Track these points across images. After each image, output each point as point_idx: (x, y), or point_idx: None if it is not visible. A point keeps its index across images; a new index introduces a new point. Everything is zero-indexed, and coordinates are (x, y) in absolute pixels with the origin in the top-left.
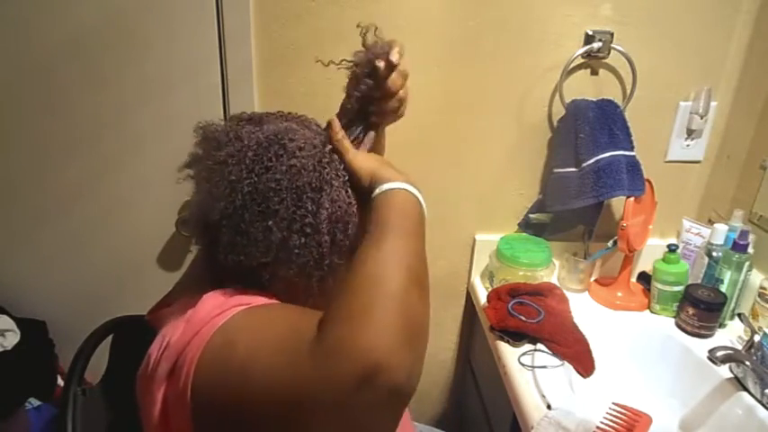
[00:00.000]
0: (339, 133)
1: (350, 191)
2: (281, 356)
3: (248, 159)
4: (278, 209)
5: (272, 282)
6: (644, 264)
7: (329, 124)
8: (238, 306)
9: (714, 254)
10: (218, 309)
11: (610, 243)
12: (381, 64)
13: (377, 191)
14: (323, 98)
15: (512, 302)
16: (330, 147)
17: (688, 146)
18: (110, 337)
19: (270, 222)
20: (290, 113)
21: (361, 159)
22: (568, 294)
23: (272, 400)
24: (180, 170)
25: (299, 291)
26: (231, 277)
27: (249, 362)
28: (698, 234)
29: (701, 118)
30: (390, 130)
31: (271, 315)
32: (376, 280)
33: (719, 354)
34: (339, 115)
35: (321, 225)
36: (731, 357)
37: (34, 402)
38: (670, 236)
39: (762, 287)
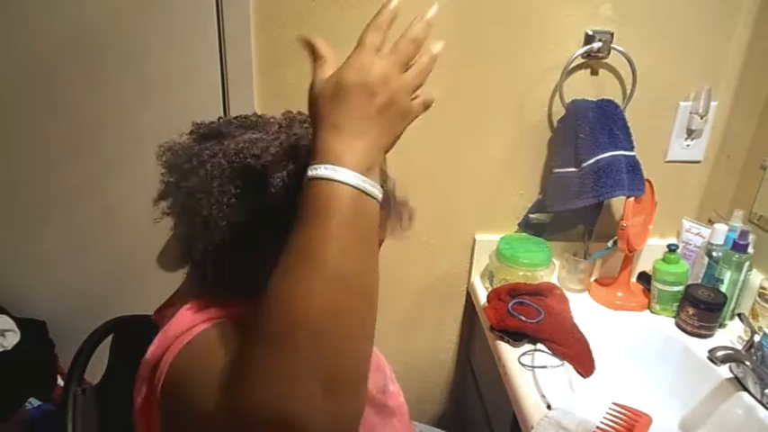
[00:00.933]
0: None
1: None
2: (212, 393)
3: (216, 191)
4: (256, 242)
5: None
6: (644, 264)
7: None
8: (206, 322)
9: (714, 254)
10: (188, 325)
11: (610, 243)
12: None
13: (311, 172)
14: None
15: (512, 302)
16: (293, 139)
17: (688, 146)
18: (110, 337)
19: (251, 258)
20: (250, 117)
21: (367, 75)
22: (568, 294)
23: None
24: (155, 204)
25: None
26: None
27: (192, 390)
28: (698, 234)
29: (701, 118)
30: None
31: (220, 341)
32: (289, 317)
33: (719, 354)
34: None
35: None
36: (731, 357)
37: (34, 402)
38: (670, 236)
39: (762, 287)
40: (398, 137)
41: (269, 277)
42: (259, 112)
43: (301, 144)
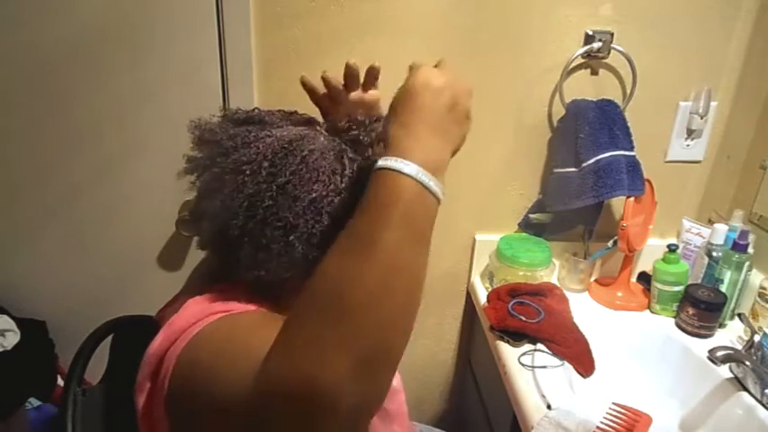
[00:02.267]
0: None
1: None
2: (234, 376)
3: (264, 171)
4: (298, 223)
5: (284, 293)
6: (644, 264)
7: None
8: (214, 315)
9: (714, 254)
10: (195, 317)
11: (610, 243)
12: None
13: (380, 163)
14: None
15: (512, 302)
16: (347, 152)
17: (688, 146)
18: (110, 337)
19: (291, 238)
20: (291, 113)
21: (430, 83)
22: (568, 294)
23: (232, 417)
24: (180, 176)
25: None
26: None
27: (210, 378)
28: (698, 234)
29: (701, 118)
30: None
31: (235, 328)
32: (337, 293)
33: (719, 354)
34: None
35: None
36: (731, 357)
37: (34, 402)
38: (670, 236)
39: (762, 287)
40: (464, 139)
41: (296, 273)
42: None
43: (348, 156)
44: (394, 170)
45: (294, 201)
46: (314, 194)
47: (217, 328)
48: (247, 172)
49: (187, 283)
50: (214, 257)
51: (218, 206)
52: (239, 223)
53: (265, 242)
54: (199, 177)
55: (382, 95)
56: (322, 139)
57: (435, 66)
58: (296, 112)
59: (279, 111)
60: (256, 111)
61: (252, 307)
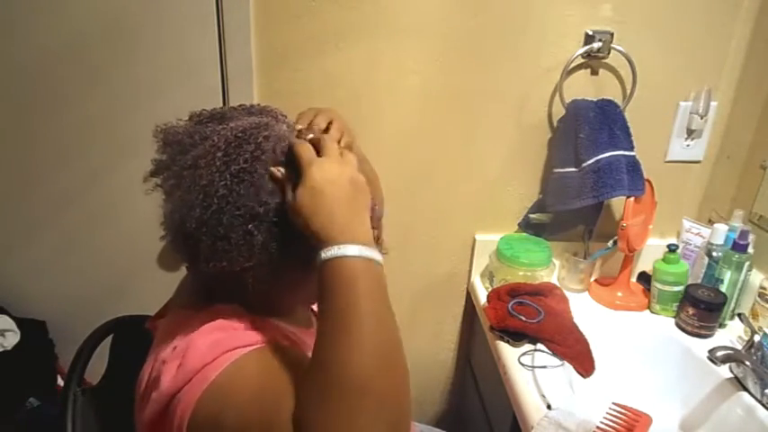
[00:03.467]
0: (304, 127)
1: None
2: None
3: (218, 161)
4: (258, 211)
5: (255, 285)
6: (644, 264)
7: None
8: (230, 352)
9: (714, 254)
10: (210, 355)
11: (610, 243)
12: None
13: (324, 256)
14: (323, 98)
15: (512, 302)
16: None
17: (688, 146)
18: (110, 337)
19: (250, 226)
20: (254, 106)
21: (327, 176)
22: (568, 294)
23: None
24: (145, 180)
25: (280, 289)
26: (217, 284)
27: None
28: (698, 234)
29: (701, 118)
30: (391, 130)
31: (256, 384)
32: (348, 378)
33: (719, 354)
34: None
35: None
36: (731, 357)
37: (34, 402)
38: (670, 236)
39: (762, 287)
40: (374, 204)
41: (268, 256)
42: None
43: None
44: (339, 257)
45: (252, 190)
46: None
47: (236, 381)
48: (202, 164)
49: (176, 294)
50: (177, 257)
51: (177, 202)
52: (196, 215)
53: (223, 231)
54: (162, 179)
55: (383, 94)
56: (284, 127)
57: (317, 144)
58: (260, 105)
59: (241, 106)
60: (220, 108)
61: (257, 336)
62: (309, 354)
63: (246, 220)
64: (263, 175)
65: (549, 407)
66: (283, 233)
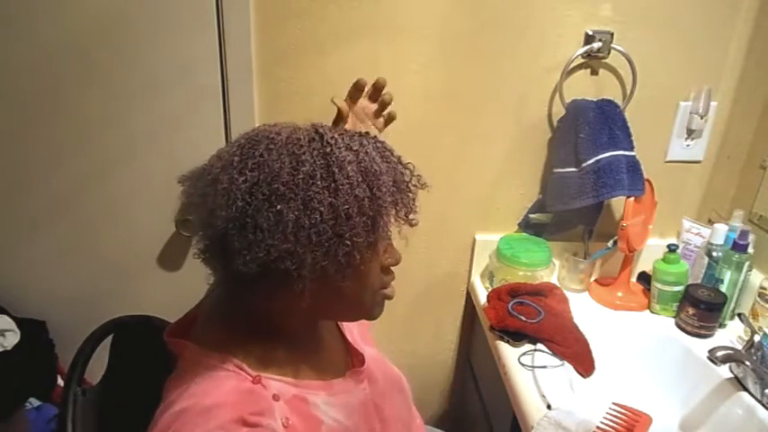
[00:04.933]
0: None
1: (368, 188)
2: None
3: (235, 162)
4: (283, 191)
5: (300, 274)
6: (644, 264)
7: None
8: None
9: (714, 254)
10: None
11: (610, 243)
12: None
13: None
14: (323, 98)
15: (512, 302)
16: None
17: (688, 146)
18: (110, 338)
19: (279, 206)
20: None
21: None
22: (568, 294)
23: None
24: (179, 221)
25: (330, 289)
26: (256, 294)
27: None
28: (698, 234)
29: (701, 118)
30: (391, 130)
31: None
32: None
33: (719, 354)
34: None
35: (334, 212)
36: (731, 357)
37: (34, 402)
38: (670, 236)
39: (762, 287)
40: None
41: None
42: (259, 113)
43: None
44: None
45: (273, 178)
46: (299, 173)
47: None
48: (219, 174)
49: (200, 305)
50: (215, 268)
51: (203, 213)
52: (222, 215)
53: (251, 221)
54: (188, 205)
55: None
56: (300, 124)
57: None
58: None
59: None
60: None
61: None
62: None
63: (273, 203)
64: (282, 159)
65: (549, 407)
66: (319, 211)
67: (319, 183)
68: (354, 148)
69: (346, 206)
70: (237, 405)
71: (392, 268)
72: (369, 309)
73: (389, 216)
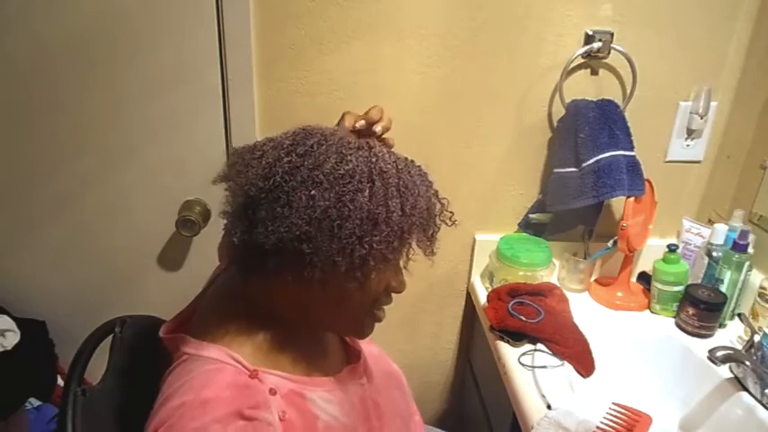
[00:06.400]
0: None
1: (399, 203)
2: None
3: (285, 144)
4: (322, 180)
5: (312, 261)
6: (644, 264)
7: None
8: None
9: (714, 254)
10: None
11: (610, 243)
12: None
13: None
14: (323, 98)
15: (512, 302)
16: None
17: (688, 146)
18: (110, 338)
19: (313, 192)
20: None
21: None
22: (568, 294)
23: None
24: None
25: (336, 284)
26: (264, 270)
27: None
28: (698, 234)
29: (701, 118)
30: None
31: None
32: None
33: (719, 354)
34: None
35: (363, 214)
36: (731, 357)
37: (34, 402)
38: (670, 236)
39: (762, 287)
40: None
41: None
42: (259, 113)
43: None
44: None
45: (315, 168)
46: (339, 169)
47: None
48: (267, 149)
49: (197, 300)
50: (235, 230)
51: (242, 179)
52: (258, 185)
53: (284, 198)
54: (230, 173)
55: (383, 94)
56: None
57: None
58: None
59: None
60: None
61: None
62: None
63: (308, 187)
64: (329, 153)
65: (549, 407)
66: (347, 207)
67: (357, 183)
68: (399, 167)
69: (376, 212)
70: (234, 399)
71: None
72: (361, 325)
73: (413, 236)
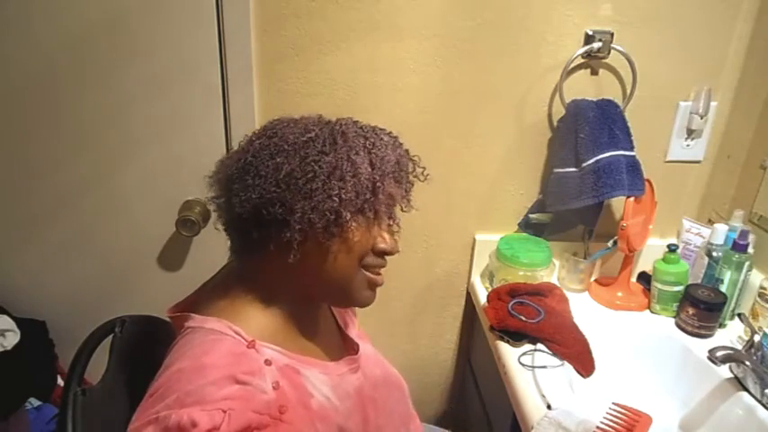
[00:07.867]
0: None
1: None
2: None
3: (257, 132)
4: (286, 149)
5: (289, 223)
6: (644, 264)
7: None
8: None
9: (714, 254)
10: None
11: (610, 243)
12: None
13: None
14: (323, 98)
15: (512, 302)
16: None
17: (688, 146)
18: (110, 338)
19: (278, 159)
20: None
21: None
22: (568, 294)
23: None
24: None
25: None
26: (252, 244)
27: None
28: (698, 234)
29: (701, 118)
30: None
31: None
32: None
33: (719, 354)
34: None
35: (328, 169)
36: (731, 357)
37: (34, 402)
38: (670, 236)
39: (762, 287)
40: None
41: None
42: (259, 112)
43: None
44: None
45: (285, 142)
46: (307, 146)
47: None
48: (242, 143)
49: (206, 285)
50: (222, 213)
51: (220, 168)
52: (235, 166)
53: (254, 169)
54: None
55: (383, 94)
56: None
57: None
58: None
59: None
60: None
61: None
62: (315, 394)
63: (274, 156)
64: (294, 130)
65: (549, 407)
66: (313, 171)
67: (320, 146)
68: (366, 131)
69: (342, 168)
70: (230, 365)
71: (392, 268)
72: (356, 290)
73: (385, 189)
